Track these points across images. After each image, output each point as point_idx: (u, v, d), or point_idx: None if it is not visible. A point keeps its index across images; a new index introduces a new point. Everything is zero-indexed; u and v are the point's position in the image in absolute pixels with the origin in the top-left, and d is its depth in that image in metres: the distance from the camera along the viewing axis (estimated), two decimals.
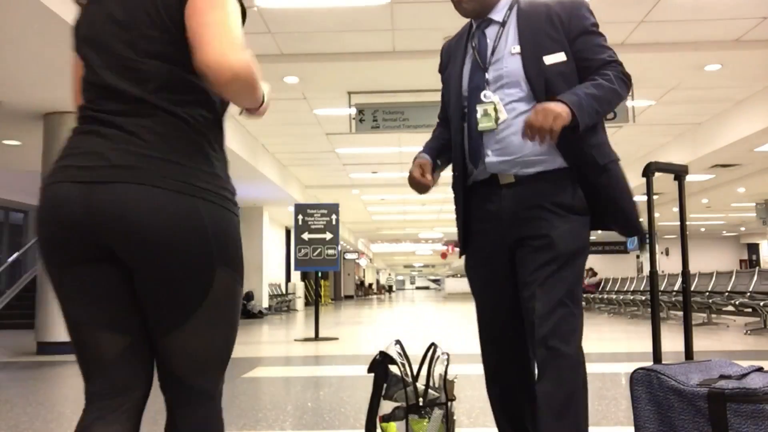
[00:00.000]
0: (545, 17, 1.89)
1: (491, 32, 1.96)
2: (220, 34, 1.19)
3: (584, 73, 1.86)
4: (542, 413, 1.71)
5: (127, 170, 1.19)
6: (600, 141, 1.88)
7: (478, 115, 1.89)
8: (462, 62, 1.99)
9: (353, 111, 7.55)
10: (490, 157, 1.88)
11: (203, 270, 1.23)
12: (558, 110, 1.68)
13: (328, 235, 8.48)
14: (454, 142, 1.99)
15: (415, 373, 2.13)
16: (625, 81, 1.86)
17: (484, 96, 1.89)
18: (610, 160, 1.89)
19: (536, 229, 1.82)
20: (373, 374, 2.09)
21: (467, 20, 2.10)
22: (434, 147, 2.07)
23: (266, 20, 5.72)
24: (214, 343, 1.32)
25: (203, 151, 1.26)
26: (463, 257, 2.07)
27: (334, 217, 8.58)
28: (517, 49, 1.89)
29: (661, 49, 6.47)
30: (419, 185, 1.97)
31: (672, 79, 7.40)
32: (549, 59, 1.86)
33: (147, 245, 1.19)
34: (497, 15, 1.97)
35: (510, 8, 1.96)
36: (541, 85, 1.84)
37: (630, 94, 2.02)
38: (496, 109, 1.86)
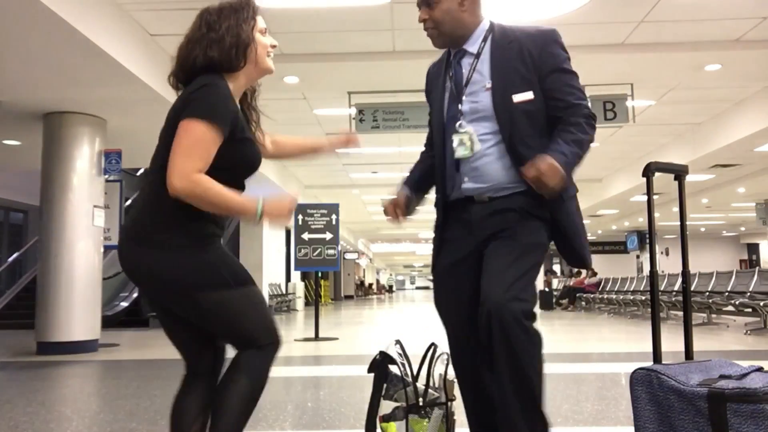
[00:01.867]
0: (517, 53, 1.94)
1: (466, 63, 2.02)
2: (174, 161, 1.65)
3: (552, 110, 1.94)
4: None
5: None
6: None
7: (455, 144, 1.98)
8: (442, 90, 2.08)
9: (353, 111, 7.55)
10: (466, 183, 1.99)
11: (181, 298, 1.79)
12: (555, 168, 1.78)
13: (328, 235, 8.48)
14: (436, 165, 2.10)
15: (415, 373, 2.13)
16: (593, 125, 1.94)
17: (460, 126, 1.98)
18: (569, 195, 1.97)
19: (502, 225, 1.94)
20: (373, 374, 2.09)
21: None
22: (417, 177, 2.22)
23: (266, 20, 5.70)
24: (223, 326, 1.82)
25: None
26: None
27: (334, 217, 8.58)
28: (490, 84, 1.96)
29: (661, 49, 6.47)
30: (393, 221, 2.18)
31: (672, 79, 7.40)
32: (517, 97, 1.92)
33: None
34: (472, 47, 2.02)
35: (484, 39, 2.01)
36: (507, 121, 1.93)
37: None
38: (471, 140, 1.95)
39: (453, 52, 2.07)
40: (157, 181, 1.72)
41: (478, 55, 2.00)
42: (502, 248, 1.90)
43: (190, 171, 1.64)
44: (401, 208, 2.14)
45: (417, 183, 2.21)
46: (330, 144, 2.26)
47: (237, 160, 1.78)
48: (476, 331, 1.86)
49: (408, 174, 2.25)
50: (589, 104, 1.96)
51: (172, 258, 1.73)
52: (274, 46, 1.93)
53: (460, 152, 1.96)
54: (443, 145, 2.04)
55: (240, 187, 1.83)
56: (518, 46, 1.95)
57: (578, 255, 1.99)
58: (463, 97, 1.99)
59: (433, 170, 2.13)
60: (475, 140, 1.95)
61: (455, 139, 1.97)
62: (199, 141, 1.66)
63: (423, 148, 2.31)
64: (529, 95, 1.91)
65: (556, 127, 1.92)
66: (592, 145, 1.96)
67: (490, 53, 1.98)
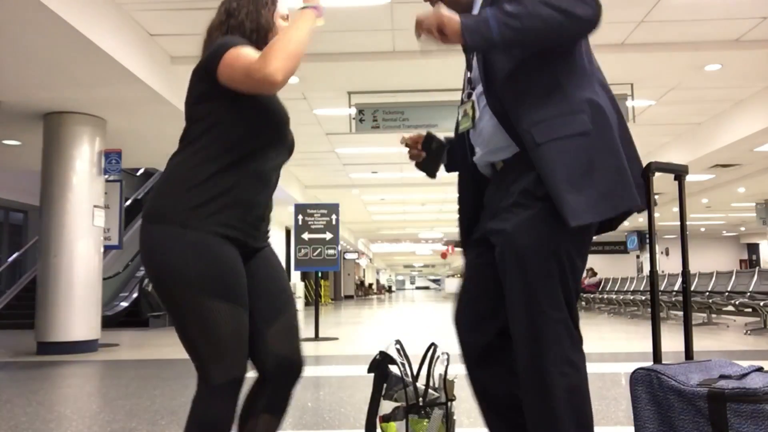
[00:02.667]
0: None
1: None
2: (246, 81, 1.57)
3: None
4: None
5: None
6: (545, 117, 1.60)
7: (460, 117, 1.87)
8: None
9: (353, 111, 7.55)
10: (477, 153, 1.83)
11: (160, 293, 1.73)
12: (447, 21, 1.52)
13: (328, 235, 8.47)
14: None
15: (415, 373, 2.13)
16: (574, 12, 1.62)
17: (467, 96, 1.85)
18: (550, 138, 1.58)
19: (497, 224, 1.68)
20: (372, 374, 2.09)
21: None
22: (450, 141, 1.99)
23: None
24: (182, 340, 1.66)
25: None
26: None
27: (334, 217, 8.58)
28: None
29: (661, 49, 6.47)
30: (412, 156, 1.95)
31: (672, 79, 7.40)
32: None
33: None
34: (476, 7, 1.86)
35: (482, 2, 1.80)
36: (481, 67, 1.72)
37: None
38: (474, 108, 1.78)
39: None
40: (180, 157, 1.75)
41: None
42: (512, 278, 1.62)
43: (260, 67, 1.52)
44: (418, 141, 1.92)
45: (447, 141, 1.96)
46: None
47: (256, 117, 1.66)
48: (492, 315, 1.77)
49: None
50: None
51: (163, 230, 1.59)
52: None
53: (463, 124, 1.82)
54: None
55: (265, 157, 1.69)
56: None
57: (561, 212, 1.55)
58: (473, 64, 1.82)
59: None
60: (477, 108, 1.76)
61: (460, 111, 1.84)
62: (240, 54, 1.58)
63: None
64: None
65: None
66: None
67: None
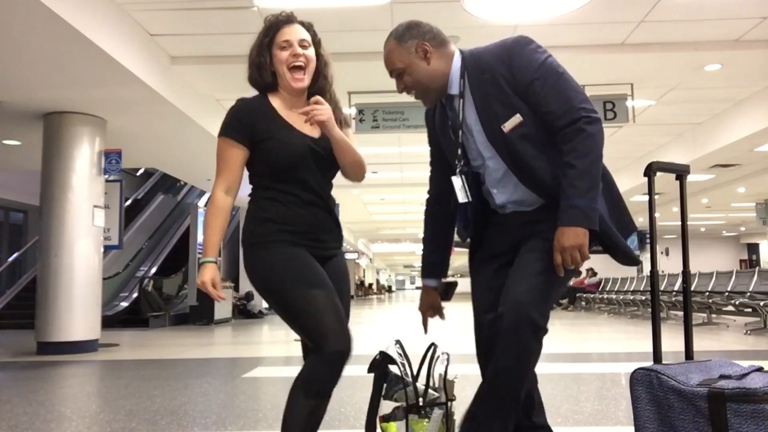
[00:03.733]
0: (491, 81, 1.89)
1: (455, 107, 1.99)
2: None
3: (548, 123, 1.87)
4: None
5: None
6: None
7: (456, 188, 2.02)
8: (449, 134, 2.05)
9: (353, 111, 7.55)
10: (498, 198, 2.04)
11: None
12: (576, 243, 1.79)
13: None
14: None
15: (415, 373, 2.13)
16: (591, 130, 1.85)
17: (459, 172, 2.01)
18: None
19: (537, 228, 1.95)
20: (372, 374, 2.09)
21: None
22: (438, 261, 2.35)
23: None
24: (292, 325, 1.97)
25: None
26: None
27: None
28: (479, 125, 1.93)
29: (661, 49, 6.47)
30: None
31: (672, 79, 7.40)
32: (506, 126, 1.88)
33: None
34: (453, 89, 1.98)
35: (462, 76, 1.96)
36: (506, 154, 1.91)
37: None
38: (465, 187, 2.01)
39: (443, 99, 2.04)
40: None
41: (462, 95, 1.95)
42: (534, 252, 1.91)
43: (214, 190, 1.96)
44: (440, 311, 2.32)
45: (441, 267, 2.32)
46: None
47: (265, 160, 1.95)
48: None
49: (426, 259, 2.34)
50: (583, 103, 1.86)
51: (248, 257, 1.96)
52: (296, 55, 1.96)
53: (460, 197, 2.02)
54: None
55: (298, 182, 1.94)
56: (491, 72, 1.89)
57: (627, 255, 2.11)
58: (461, 140, 2.00)
59: (449, 224, 2.23)
60: (466, 188, 2.01)
61: (455, 183, 2.02)
62: (219, 156, 1.97)
63: (423, 148, 2.30)
64: (516, 119, 1.86)
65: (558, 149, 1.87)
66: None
67: (470, 90, 1.94)
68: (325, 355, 1.86)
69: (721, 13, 5.71)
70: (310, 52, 1.99)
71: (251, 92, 2.21)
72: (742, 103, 8.43)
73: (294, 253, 1.90)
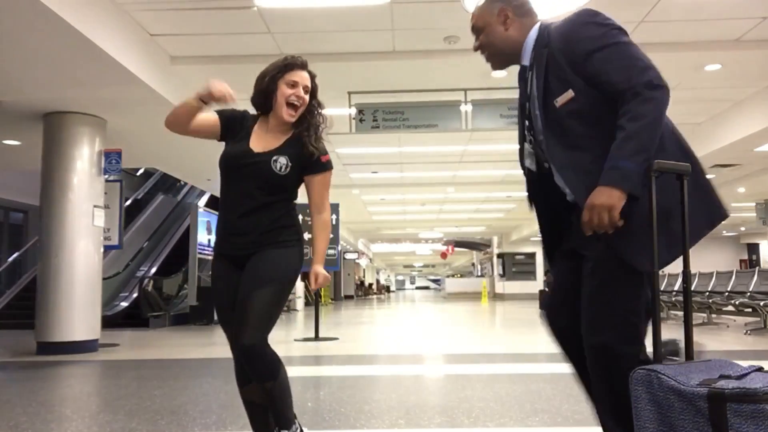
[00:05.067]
0: (549, 56, 1.89)
1: (526, 77, 2.01)
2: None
3: (609, 95, 1.82)
4: None
5: None
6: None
7: (526, 153, 2.03)
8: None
9: (353, 111, 7.55)
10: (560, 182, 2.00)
11: None
12: (608, 203, 1.71)
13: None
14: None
15: None
16: (648, 97, 1.80)
17: (529, 143, 2.01)
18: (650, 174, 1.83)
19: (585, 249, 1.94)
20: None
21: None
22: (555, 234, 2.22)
23: (266, 20, 5.72)
24: None
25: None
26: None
27: (334, 217, 8.58)
28: (538, 99, 1.94)
29: (661, 49, 6.46)
30: None
31: (672, 79, 7.38)
32: (559, 101, 1.86)
33: None
34: (525, 59, 2.00)
35: (534, 48, 1.97)
36: (557, 129, 1.88)
37: (666, 94, 1.99)
38: (536, 155, 2.00)
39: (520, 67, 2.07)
40: None
41: (531, 67, 1.97)
42: (591, 278, 1.86)
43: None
44: None
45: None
46: (313, 270, 2.48)
47: (221, 157, 2.38)
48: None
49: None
50: (644, 73, 1.79)
51: None
52: (298, 97, 2.36)
53: (528, 163, 2.02)
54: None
55: (236, 183, 2.35)
56: (549, 48, 1.90)
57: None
58: (528, 113, 1.99)
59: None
60: (534, 158, 2.00)
61: (526, 151, 2.02)
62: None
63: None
64: (569, 94, 1.84)
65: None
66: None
67: (536, 62, 1.95)
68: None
69: (721, 13, 5.71)
70: (307, 97, 2.41)
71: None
72: (742, 103, 8.43)
73: (214, 264, 2.44)
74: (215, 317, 11.50)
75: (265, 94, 2.36)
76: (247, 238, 2.32)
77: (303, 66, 2.39)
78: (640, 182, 1.74)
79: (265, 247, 2.32)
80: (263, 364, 2.26)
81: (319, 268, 2.43)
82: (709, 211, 1.93)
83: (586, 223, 1.75)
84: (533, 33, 1.98)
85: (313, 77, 2.44)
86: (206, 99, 2.25)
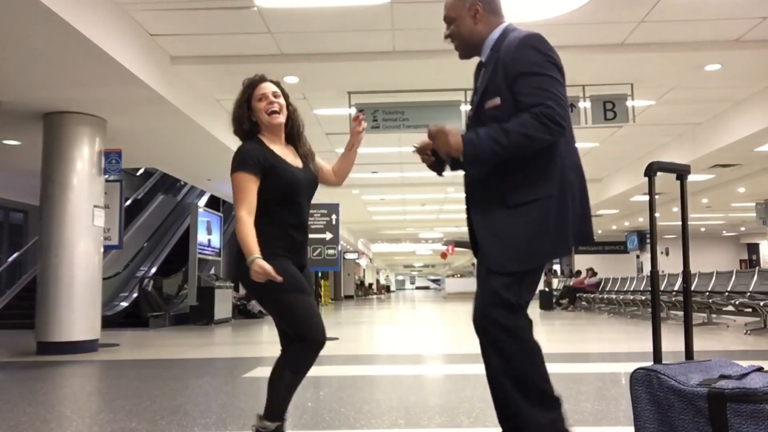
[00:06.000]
0: (495, 62, 2.06)
1: (480, 74, 2.20)
2: (234, 206, 2.44)
3: (521, 109, 2.01)
4: None
5: None
6: (515, 182, 2.03)
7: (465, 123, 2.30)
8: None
9: (353, 111, 7.55)
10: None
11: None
12: (452, 142, 1.98)
13: (328, 235, 8.48)
14: None
15: None
16: (543, 122, 1.93)
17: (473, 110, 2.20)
18: (512, 202, 2.04)
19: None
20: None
21: None
22: None
23: (266, 20, 5.72)
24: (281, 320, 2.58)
25: None
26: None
27: (334, 217, 8.59)
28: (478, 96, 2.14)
29: (661, 49, 6.47)
30: (423, 160, 2.32)
31: (672, 79, 7.40)
32: (487, 104, 2.06)
33: None
34: (483, 56, 2.17)
35: (492, 48, 2.13)
36: (477, 123, 2.09)
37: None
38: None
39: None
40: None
41: (484, 65, 2.13)
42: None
43: (239, 213, 2.35)
44: None
45: None
46: (351, 143, 2.75)
47: (273, 186, 2.41)
48: None
49: None
50: (554, 106, 1.93)
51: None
52: (270, 103, 2.47)
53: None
54: None
55: (293, 204, 2.46)
56: (498, 55, 2.06)
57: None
58: (473, 106, 2.18)
59: None
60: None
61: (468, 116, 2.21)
62: (239, 187, 2.38)
63: None
64: (495, 101, 2.03)
65: None
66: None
67: (487, 64, 2.12)
68: (309, 344, 2.44)
69: (721, 13, 5.71)
70: (281, 100, 2.51)
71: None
72: (742, 103, 8.43)
73: (286, 264, 2.40)
74: (215, 317, 11.54)
75: (240, 121, 2.49)
76: (305, 247, 2.60)
77: (262, 80, 2.53)
78: (474, 157, 2.00)
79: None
80: None
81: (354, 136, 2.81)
82: (554, 241, 2.05)
83: (430, 131, 2.07)
84: (496, 32, 2.13)
85: (277, 84, 2.57)
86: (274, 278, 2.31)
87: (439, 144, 2.02)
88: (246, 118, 2.48)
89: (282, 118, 2.50)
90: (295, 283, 2.39)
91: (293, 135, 2.61)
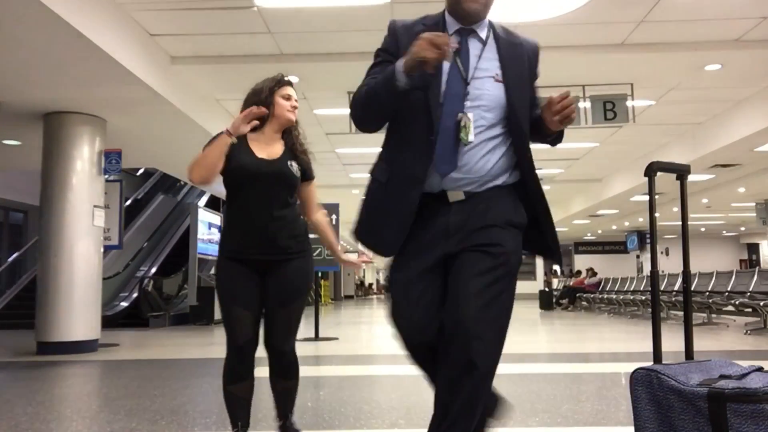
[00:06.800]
0: (522, 55, 1.96)
1: (475, 47, 1.91)
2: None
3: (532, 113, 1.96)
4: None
5: None
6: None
7: (462, 125, 1.83)
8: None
9: None
10: (449, 174, 1.85)
11: None
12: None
13: None
14: (413, 142, 1.89)
15: None
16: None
17: (466, 109, 1.85)
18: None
19: (489, 239, 1.84)
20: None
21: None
22: None
23: (266, 20, 5.72)
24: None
25: None
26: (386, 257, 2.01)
27: (334, 217, 8.57)
28: (501, 76, 1.88)
29: (661, 49, 6.46)
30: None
31: (672, 79, 7.40)
32: (530, 92, 1.97)
33: None
34: (482, 31, 1.94)
35: (488, 29, 1.96)
36: (524, 116, 1.90)
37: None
38: (469, 126, 1.83)
39: (458, 27, 1.93)
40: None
41: (485, 42, 1.91)
42: (479, 263, 1.81)
43: (187, 173, 2.48)
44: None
45: None
46: (342, 259, 2.98)
47: (225, 170, 2.47)
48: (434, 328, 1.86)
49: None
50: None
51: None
52: (294, 106, 2.60)
53: (462, 135, 1.82)
54: (430, 123, 1.85)
55: (252, 190, 2.47)
56: (522, 49, 1.97)
57: (554, 251, 1.99)
58: (470, 80, 1.86)
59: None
60: (471, 128, 1.82)
61: (462, 119, 1.84)
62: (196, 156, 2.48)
63: None
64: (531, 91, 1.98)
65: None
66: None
67: (497, 46, 1.92)
68: (227, 350, 2.51)
69: (721, 13, 5.71)
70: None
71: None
72: (742, 103, 8.43)
73: (224, 267, 2.51)
74: (215, 317, 11.54)
75: (262, 106, 2.54)
76: (276, 244, 2.51)
77: (290, 83, 2.65)
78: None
79: (292, 256, 2.56)
80: (295, 365, 2.61)
81: (347, 256, 2.98)
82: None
83: (560, 104, 1.82)
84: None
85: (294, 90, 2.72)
86: (236, 131, 2.41)
87: (573, 110, 1.82)
88: (266, 105, 2.55)
89: (294, 117, 2.62)
90: (223, 289, 2.51)
91: (299, 140, 2.67)
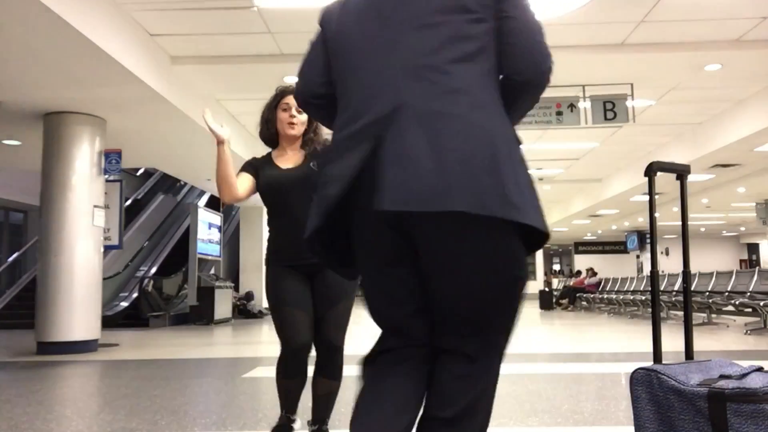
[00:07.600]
0: None
1: None
2: None
3: None
4: None
5: None
6: None
7: None
8: None
9: None
10: None
11: None
12: None
13: None
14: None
15: None
16: None
17: None
18: None
19: None
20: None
21: None
22: None
23: (266, 20, 5.72)
24: None
25: None
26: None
27: None
28: None
29: (661, 49, 6.46)
30: None
31: (672, 79, 7.40)
32: None
33: None
34: None
35: None
36: None
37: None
38: None
39: None
40: None
41: None
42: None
43: None
44: None
45: None
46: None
47: (259, 188, 2.59)
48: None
49: None
50: None
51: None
52: (292, 116, 2.59)
53: None
54: None
55: (283, 204, 2.55)
56: None
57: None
58: None
59: None
60: None
61: None
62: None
63: None
64: None
65: None
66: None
67: None
68: (283, 351, 2.68)
69: (721, 13, 5.71)
70: (303, 116, 2.62)
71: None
72: (742, 103, 8.43)
73: (273, 272, 2.56)
74: (215, 317, 11.54)
75: (267, 122, 2.65)
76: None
77: (292, 92, 2.61)
78: None
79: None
80: (341, 363, 2.81)
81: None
82: None
83: None
84: None
85: None
86: (218, 136, 2.39)
87: None
88: (272, 123, 2.64)
89: (296, 131, 2.63)
90: (274, 295, 2.58)
91: (307, 140, 2.68)
